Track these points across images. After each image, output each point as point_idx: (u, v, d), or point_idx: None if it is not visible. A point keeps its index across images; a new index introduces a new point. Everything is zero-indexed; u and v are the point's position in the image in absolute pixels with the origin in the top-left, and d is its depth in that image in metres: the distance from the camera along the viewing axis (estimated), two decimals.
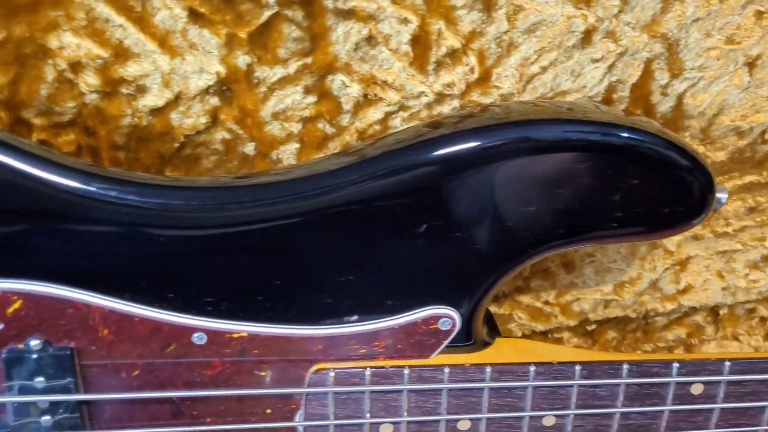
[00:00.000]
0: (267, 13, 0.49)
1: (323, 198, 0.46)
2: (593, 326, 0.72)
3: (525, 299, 0.67)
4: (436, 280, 0.50)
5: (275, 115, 0.53)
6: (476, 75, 0.54)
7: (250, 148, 0.54)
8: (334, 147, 0.55)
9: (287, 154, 0.55)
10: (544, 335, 0.71)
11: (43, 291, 0.46)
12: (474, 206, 0.48)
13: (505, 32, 0.52)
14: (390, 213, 0.47)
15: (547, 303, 0.68)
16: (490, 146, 0.47)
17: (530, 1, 0.51)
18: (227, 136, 0.53)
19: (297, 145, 0.55)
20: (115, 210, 0.45)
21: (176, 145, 0.53)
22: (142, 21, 0.48)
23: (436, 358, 0.52)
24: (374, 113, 0.54)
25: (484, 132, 0.48)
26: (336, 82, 0.52)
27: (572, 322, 0.70)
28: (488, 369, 0.52)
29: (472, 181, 0.47)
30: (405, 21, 0.50)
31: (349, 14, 0.49)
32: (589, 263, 0.66)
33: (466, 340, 0.53)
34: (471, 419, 0.53)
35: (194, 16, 0.48)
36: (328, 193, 0.46)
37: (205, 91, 0.51)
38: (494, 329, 0.57)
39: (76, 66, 0.48)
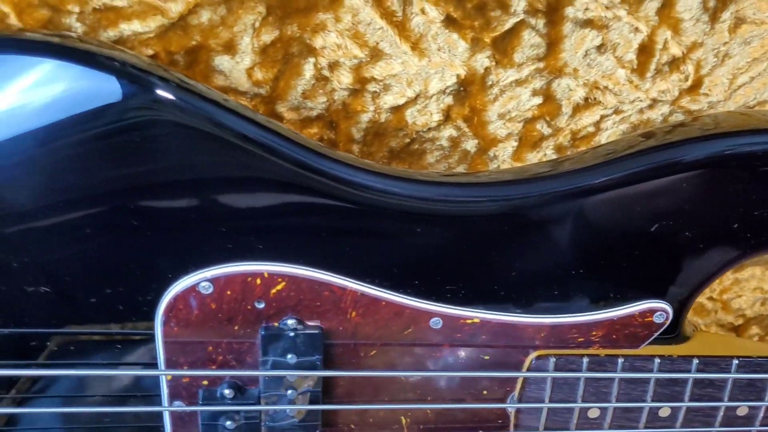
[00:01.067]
0: (512, 20, 0.52)
1: (568, 197, 0.50)
2: (741, 321, 0.76)
3: None
4: (657, 276, 0.53)
5: (501, 115, 0.56)
6: (689, 83, 0.56)
7: (471, 145, 0.57)
8: (547, 147, 0.58)
9: (504, 153, 0.58)
10: None
11: (306, 274, 0.50)
12: (703, 209, 0.51)
13: (724, 44, 0.55)
14: (626, 214, 0.50)
15: (711, 299, 0.71)
16: (716, 155, 0.50)
17: (752, 15, 0.54)
18: (454, 133, 0.57)
19: (515, 144, 0.58)
20: (380, 203, 0.48)
21: (407, 140, 0.56)
22: (399, 25, 0.51)
23: (645, 349, 0.56)
24: (590, 116, 0.57)
25: (716, 138, 0.51)
26: (561, 86, 0.55)
27: (729, 318, 0.73)
28: (695, 361, 0.56)
29: (703, 186, 0.50)
30: (636, 30, 0.53)
31: (586, 23, 0.52)
32: (755, 262, 0.70)
33: (672, 332, 0.56)
34: (672, 407, 0.57)
35: (447, 21, 0.51)
36: (573, 194, 0.50)
37: (442, 91, 0.54)
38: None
39: (333, 65, 0.52)
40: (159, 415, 0.54)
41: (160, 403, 0.53)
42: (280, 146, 0.46)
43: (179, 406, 0.54)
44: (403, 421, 0.57)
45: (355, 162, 0.48)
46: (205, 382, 0.53)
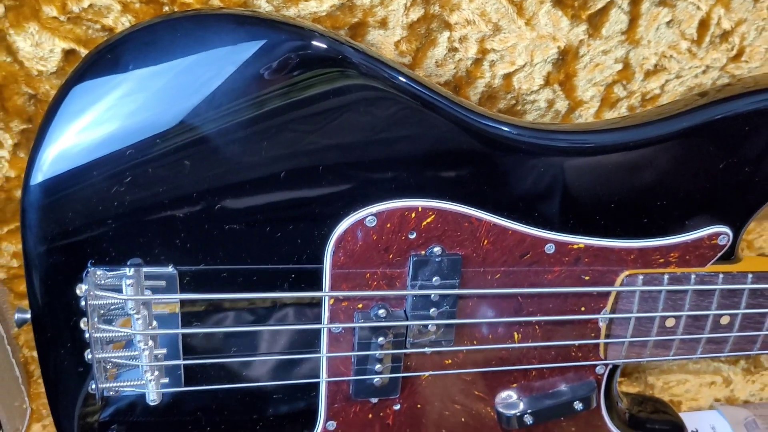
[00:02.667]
0: (604, 1, 0.64)
1: (659, 140, 0.62)
2: None
3: None
4: (721, 206, 0.66)
5: (588, 80, 0.68)
6: (734, 52, 0.70)
7: (563, 106, 0.69)
8: (621, 107, 0.71)
9: (588, 112, 0.70)
10: None
11: (452, 208, 0.61)
12: (754, 149, 0.64)
13: (763, 20, 0.69)
14: (700, 155, 0.63)
15: None
16: (760, 107, 0.63)
17: None
18: (550, 96, 0.68)
19: (597, 105, 0.70)
20: (513, 149, 0.60)
21: (513, 102, 0.68)
22: (517, 5, 0.63)
23: (711, 267, 0.68)
24: (657, 81, 0.70)
25: (758, 93, 0.64)
26: (637, 55, 0.68)
27: (751, 254, 0.87)
28: (750, 275, 0.69)
29: (754, 131, 0.63)
30: (698, 8, 0.66)
31: (660, 3, 0.65)
32: None
33: (730, 255, 0.69)
34: (731, 315, 0.70)
35: (554, 1, 0.63)
36: (662, 138, 0.62)
37: (545, 60, 0.66)
38: None
39: (463, 38, 0.63)
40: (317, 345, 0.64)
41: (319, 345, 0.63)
42: (442, 104, 0.57)
43: (338, 327, 0.64)
44: (516, 336, 0.68)
45: (495, 116, 0.59)
46: (360, 306, 0.63)
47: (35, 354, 0.75)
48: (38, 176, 0.55)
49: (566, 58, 0.66)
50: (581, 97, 0.69)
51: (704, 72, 0.70)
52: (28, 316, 0.60)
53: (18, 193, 0.65)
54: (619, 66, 0.68)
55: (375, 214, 0.60)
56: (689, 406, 0.93)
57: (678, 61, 0.69)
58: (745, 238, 0.85)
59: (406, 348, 0.65)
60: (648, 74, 0.69)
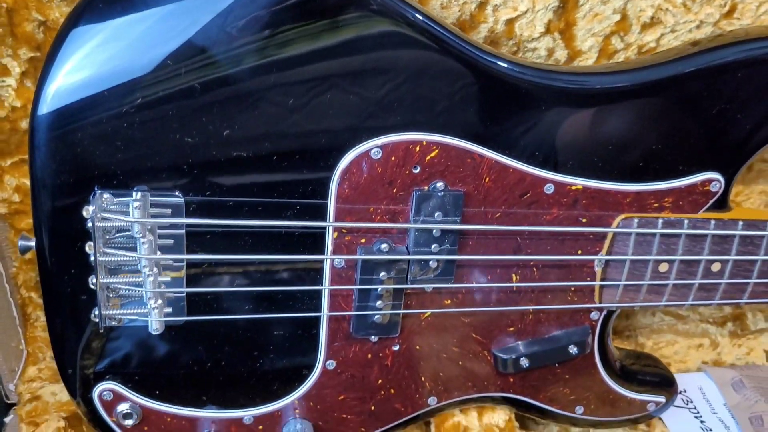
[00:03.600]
0: None
1: (657, 85, 0.64)
2: None
3: None
4: (714, 151, 0.68)
5: (587, 30, 0.70)
6: (727, 8, 0.72)
7: (562, 55, 0.71)
8: (618, 58, 0.73)
9: (585, 63, 0.72)
10: None
11: (455, 143, 0.62)
12: (747, 96, 0.66)
13: None
14: (695, 99, 0.65)
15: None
16: (749, 56, 0.66)
17: None
18: (551, 44, 0.70)
19: (594, 56, 0.72)
20: (518, 87, 0.61)
21: (515, 48, 0.70)
22: None
23: (703, 214, 0.70)
24: (652, 34, 0.72)
25: (748, 42, 0.66)
26: (634, 6, 0.70)
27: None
28: (740, 222, 0.71)
29: (745, 79, 0.65)
30: None
31: None
32: (761, 172, 0.86)
33: (721, 203, 0.71)
34: (721, 261, 0.72)
35: None
36: (662, 82, 0.64)
37: (546, 7, 0.68)
38: None
39: None
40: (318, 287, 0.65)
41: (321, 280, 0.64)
42: (449, 40, 0.58)
43: (340, 261, 0.65)
44: (514, 278, 0.70)
45: (500, 54, 0.61)
46: (363, 240, 0.64)
47: (33, 295, 0.75)
48: (50, 97, 0.55)
49: (567, 6, 0.68)
50: (580, 47, 0.71)
51: (698, 27, 0.72)
52: (32, 243, 0.60)
53: (24, 124, 0.65)
54: (617, 17, 0.70)
55: (380, 146, 0.61)
56: (677, 368, 0.95)
57: (673, 15, 0.71)
58: (733, 199, 0.88)
59: (407, 283, 0.66)
60: (644, 27, 0.71)
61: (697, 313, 0.96)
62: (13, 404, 0.74)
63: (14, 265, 0.72)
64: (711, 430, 0.87)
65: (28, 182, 0.64)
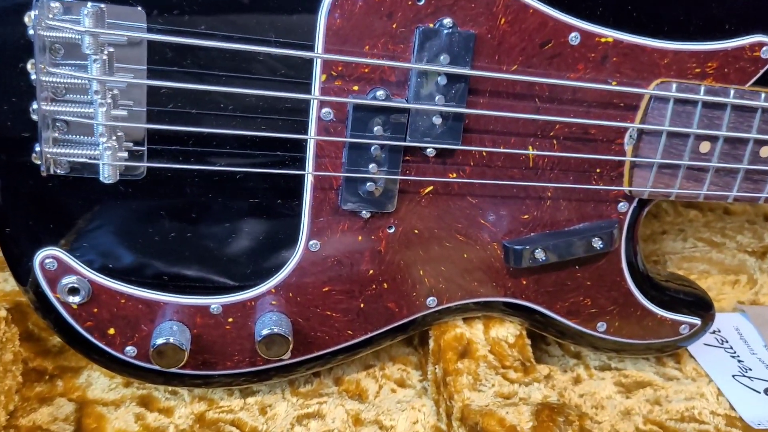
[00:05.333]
0: None
1: None
2: None
3: None
4: (766, 8, 0.59)
5: None
6: None
7: None
8: None
9: None
10: None
11: None
12: None
13: None
14: None
15: None
16: None
17: None
18: None
19: None
20: None
21: None
22: None
23: (752, 86, 0.61)
24: None
25: None
26: None
27: None
28: None
29: None
30: None
31: None
32: None
33: None
34: None
35: None
36: None
37: None
38: None
39: None
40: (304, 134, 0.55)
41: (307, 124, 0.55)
42: None
43: (328, 112, 0.55)
44: (530, 149, 0.60)
45: None
46: (356, 88, 0.55)
47: None
48: None
49: None
50: None
51: None
52: None
53: None
54: None
55: None
56: None
57: None
58: None
59: (405, 141, 0.56)
60: None
61: (734, 241, 0.85)
62: None
63: None
64: (750, 369, 0.76)
65: None
